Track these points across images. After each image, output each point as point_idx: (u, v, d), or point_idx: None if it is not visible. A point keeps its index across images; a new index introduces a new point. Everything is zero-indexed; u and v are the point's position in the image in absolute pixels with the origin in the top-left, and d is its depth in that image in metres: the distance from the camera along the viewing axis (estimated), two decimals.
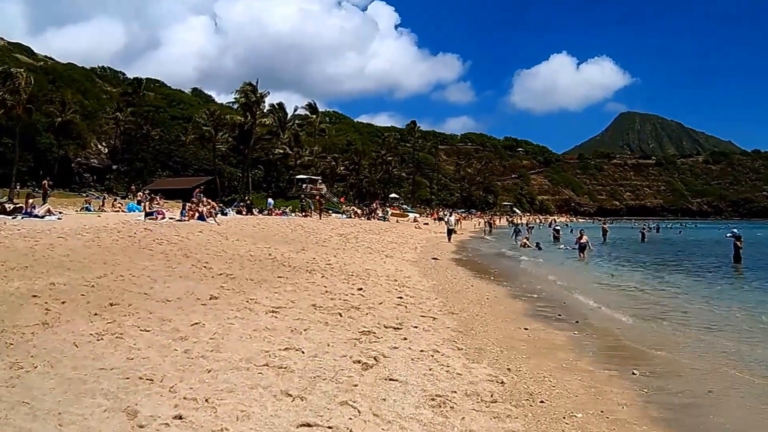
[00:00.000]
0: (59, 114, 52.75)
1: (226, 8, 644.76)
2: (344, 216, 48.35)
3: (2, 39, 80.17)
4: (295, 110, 74.45)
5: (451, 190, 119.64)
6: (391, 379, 5.45)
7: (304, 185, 63.59)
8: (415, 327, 8.05)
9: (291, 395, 4.73)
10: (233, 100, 64.66)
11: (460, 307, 10.50)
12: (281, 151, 66.93)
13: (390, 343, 6.90)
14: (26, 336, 5.66)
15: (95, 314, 6.78)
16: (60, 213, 23.65)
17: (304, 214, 43.79)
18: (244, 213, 38.33)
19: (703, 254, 30.68)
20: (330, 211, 50.43)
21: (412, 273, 15.44)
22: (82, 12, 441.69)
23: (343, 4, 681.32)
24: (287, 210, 45.32)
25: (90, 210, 30.71)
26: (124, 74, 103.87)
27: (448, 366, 6.16)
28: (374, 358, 6.07)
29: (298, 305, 8.65)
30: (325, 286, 10.84)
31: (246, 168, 61.46)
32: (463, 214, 77.91)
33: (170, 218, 24.82)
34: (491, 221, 60.37)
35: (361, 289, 11.00)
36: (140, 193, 41.11)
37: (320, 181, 67.39)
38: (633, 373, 6.73)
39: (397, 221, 51.16)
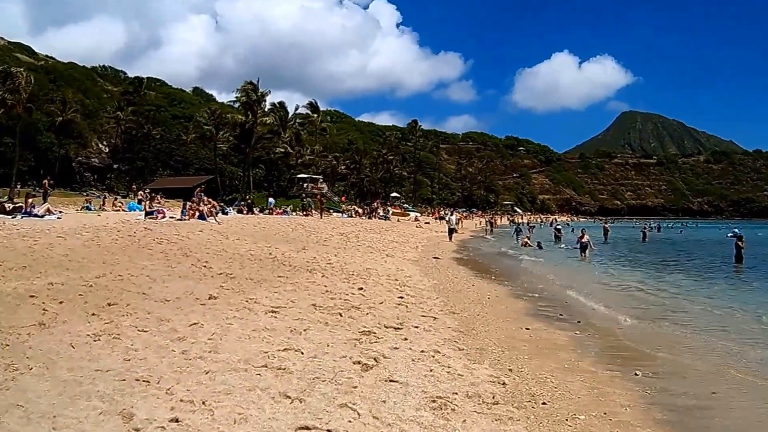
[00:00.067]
0: (60, 113, 52.74)
1: (226, 7, 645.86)
2: (345, 215, 48.30)
3: (3, 39, 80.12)
4: (296, 109, 74.44)
5: (452, 189, 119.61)
6: (391, 381, 5.38)
7: (305, 184, 63.56)
8: (416, 327, 7.99)
9: (289, 397, 4.66)
10: (234, 99, 64.62)
11: (461, 307, 10.44)
12: (282, 150, 66.90)
13: (390, 343, 6.83)
14: (22, 337, 5.59)
15: (93, 314, 6.71)
16: (60, 212, 23.61)
17: (305, 213, 43.74)
18: (244, 212, 38.28)
19: (705, 254, 30.62)
20: (331, 211, 50.40)
21: (413, 272, 15.38)
22: (82, 11, 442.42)
23: (344, 3, 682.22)
24: (288, 209, 45.29)
25: (90, 209, 30.67)
26: (125, 73, 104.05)
27: (449, 367, 6.10)
28: (374, 359, 6.01)
29: (298, 305, 8.58)
30: (326, 286, 10.77)
31: (247, 167, 61.42)
32: (465, 214, 77.85)
33: (171, 217, 24.77)
34: (492, 220, 60.35)
35: (361, 288, 10.93)
36: (141, 193, 41.07)
37: (321, 180, 67.36)
38: (635, 374, 6.67)
39: (398, 220, 51.13)
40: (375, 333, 7.26)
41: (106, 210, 31.57)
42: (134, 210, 30.36)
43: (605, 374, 6.61)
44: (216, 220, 25.46)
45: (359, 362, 5.83)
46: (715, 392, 6.16)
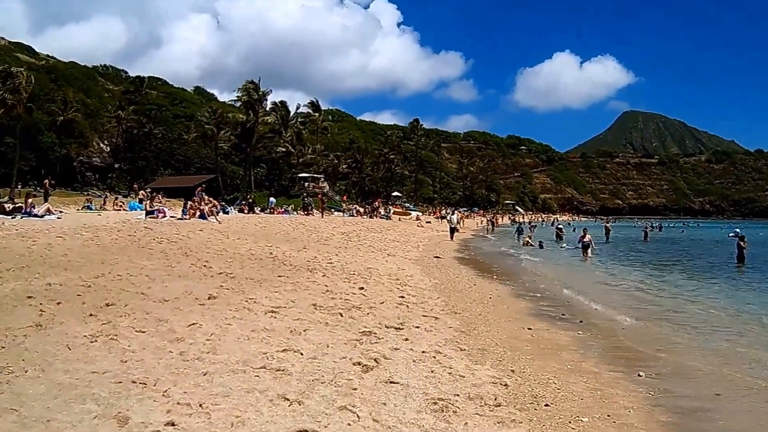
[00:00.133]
0: (61, 113, 52.68)
1: (227, 6, 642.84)
2: (346, 214, 48.24)
3: (3, 38, 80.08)
4: (298, 108, 74.50)
5: (453, 188, 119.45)
6: (391, 382, 5.30)
7: (307, 183, 63.47)
8: (417, 327, 7.92)
9: (288, 399, 4.58)
10: (235, 98, 64.79)
11: (463, 307, 10.38)
12: (283, 150, 66.90)
13: (391, 344, 6.76)
14: (18, 339, 5.52)
15: (90, 315, 6.64)
16: (60, 212, 23.57)
17: (306, 212, 43.69)
18: (246, 211, 38.24)
19: (706, 254, 30.56)
20: (332, 210, 50.34)
21: (415, 272, 15.31)
22: (83, 10, 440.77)
23: (345, 2, 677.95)
24: (289, 208, 45.25)
25: (91, 209, 30.62)
26: (126, 72, 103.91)
27: (450, 368, 6.03)
28: (375, 360, 5.93)
29: (298, 305, 8.51)
30: (326, 285, 10.69)
31: (248, 166, 61.41)
32: (466, 213, 77.75)
33: (171, 217, 24.72)
34: (494, 220, 60.29)
35: (362, 288, 10.86)
36: (142, 192, 41.06)
37: (322, 179, 67.23)
38: (639, 375, 6.61)
39: (399, 219, 51.04)
40: (376, 333, 7.18)
41: (106, 210, 31.53)
42: (135, 209, 30.33)
43: (608, 375, 6.55)
44: (217, 219, 25.39)
45: (359, 363, 5.76)
46: (719, 394, 6.10)
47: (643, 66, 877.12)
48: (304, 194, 56.23)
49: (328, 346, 6.32)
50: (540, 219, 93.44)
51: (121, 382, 4.62)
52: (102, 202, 35.60)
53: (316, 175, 66.05)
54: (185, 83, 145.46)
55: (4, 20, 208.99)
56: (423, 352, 6.56)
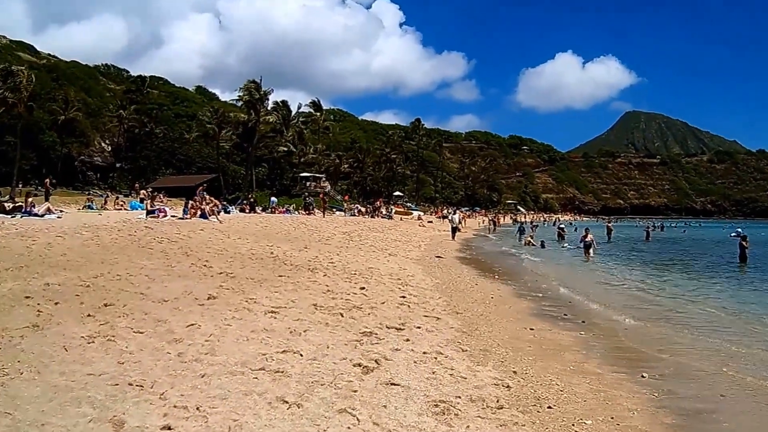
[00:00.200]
0: (62, 112, 52.71)
1: (229, 5, 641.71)
2: (348, 214, 48.18)
3: (5, 37, 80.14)
4: (299, 108, 74.61)
5: (455, 188, 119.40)
6: (392, 384, 5.23)
7: (308, 183, 63.48)
8: (418, 327, 7.84)
9: (287, 402, 4.51)
10: (237, 97, 64.79)
11: (465, 307, 10.31)
12: (285, 149, 66.92)
13: (392, 344, 6.69)
14: (15, 339, 5.45)
15: (88, 316, 6.57)
16: (60, 211, 23.53)
17: (307, 212, 43.63)
18: (247, 211, 38.18)
19: (708, 253, 30.48)
20: (334, 209, 50.28)
21: (416, 271, 15.24)
22: (84, 10, 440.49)
23: (347, 2, 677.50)
24: (290, 208, 45.22)
25: (92, 208, 30.58)
26: (127, 72, 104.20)
27: (452, 369, 5.96)
28: (375, 361, 5.86)
29: (299, 305, 8.43)
30: (327, 285, 10.62)
31: (249, 166, 61.39)
32: (468, 212, 77.65)
33: (172, 216, 24.66)
34: (495, 219, 60.16)
35: (363, 288, 10.78)
36: (143, 191, 41.03)
37: (324, 178, 67.25)
38: (642, 376, 6.55)
39: (401, 219, 50.97)
40: (376, 334, 7.11)
41: (107, 209, 31.48)
42: (136, 209, 30.28)
43: (611, 376, 6.48)
44: (218, 218, 25.35)
45: (360, 365, 5.68)
46: (724, 395, 6.05)
47: (646, 66, 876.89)
48: (306, 194, 56.24)
49: (328, 347, 6.24)
50: (542, 219, 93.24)
51: (117, 385, 4.55)
52: (103, 202, 35.57)
53: (317, 175, 66.08)
54: (187, 83, 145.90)
55: (5, 19, 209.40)
56: (424, 353, 6.49)
